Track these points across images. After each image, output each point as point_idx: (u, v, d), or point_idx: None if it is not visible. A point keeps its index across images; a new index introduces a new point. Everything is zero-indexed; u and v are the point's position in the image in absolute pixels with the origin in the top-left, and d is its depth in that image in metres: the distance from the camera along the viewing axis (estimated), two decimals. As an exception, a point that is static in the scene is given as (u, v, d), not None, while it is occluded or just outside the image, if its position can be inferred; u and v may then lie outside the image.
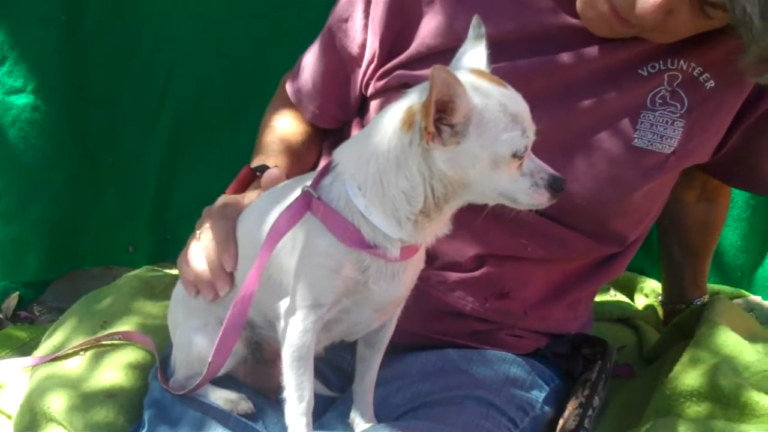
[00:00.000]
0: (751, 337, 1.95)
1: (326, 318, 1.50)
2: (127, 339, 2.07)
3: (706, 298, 2.33)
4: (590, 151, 1.77)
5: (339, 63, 1.93)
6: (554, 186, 1.39)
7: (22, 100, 2.58)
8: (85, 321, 2.22)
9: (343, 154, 1.50)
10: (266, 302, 1.57)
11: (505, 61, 1.72)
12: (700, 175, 2.08)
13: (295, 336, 1.48)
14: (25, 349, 2.44)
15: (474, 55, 1.49)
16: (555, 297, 1.89)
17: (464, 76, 1.37)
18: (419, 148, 1.37)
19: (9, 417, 2.11)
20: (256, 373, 1.72)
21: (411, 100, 1.41)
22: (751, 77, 1.70)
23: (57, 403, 1.90)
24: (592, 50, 1.76)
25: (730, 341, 1.88)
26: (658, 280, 2.58)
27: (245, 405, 1.68)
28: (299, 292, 1.48)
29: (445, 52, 1.73)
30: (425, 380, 1.75)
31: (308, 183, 1.49)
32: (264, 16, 2.64)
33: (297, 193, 1.50)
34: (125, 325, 2.15)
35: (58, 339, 2.20)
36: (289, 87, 2.04)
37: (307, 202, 1.47)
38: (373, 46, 1.86)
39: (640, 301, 2.62)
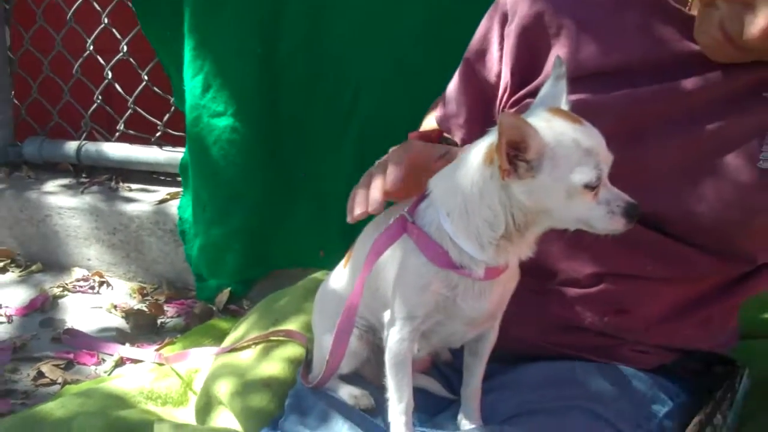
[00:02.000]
0: None
1: (421, 329, 1.65)
2: (289, 336, 2.33)
3: None
4: (715, 173, 1.77)
5: (481, 91, 2.05)
6: (630, 213, 1.48)
7: (223, 122, 2.94)
8: (262, 318, 2.52)
9: (436, 183, 1.65)
10: (377, 311, 1.75)
11: (628, 88, 1.80)
12: None
13: (394, 344, 1.65)
14: (224, 338, 2.73)
15: (554, 93, 1.59)
16: (680, 315, 1.87)
17: (540, 115, 1.50)
18: (498, 181, 1.49)
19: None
20: (378, 372, 1.86)
21: (494, 137, 1.52)
22: None
23: (224, 388, 2.19)
24: (715, 75, 1.76)
25: None
26: None
27: (367, 401, 1.85)
28: (396, 305, 1.65)
29: (570, 80, 1.81)
30: (537, 389, 1.81)
31: (406, 209, 1.65)
32: (444, 39, 2.78)
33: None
34: (292, 324, 2.41)
35: (239, 332, 2.51)
36: (437, 113, 2.18)
37: (403, 225, 1.63)
38: (506, 77, 1.97)
39: None
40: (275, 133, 2.95)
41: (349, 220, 1.82)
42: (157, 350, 2.81)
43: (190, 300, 3.36)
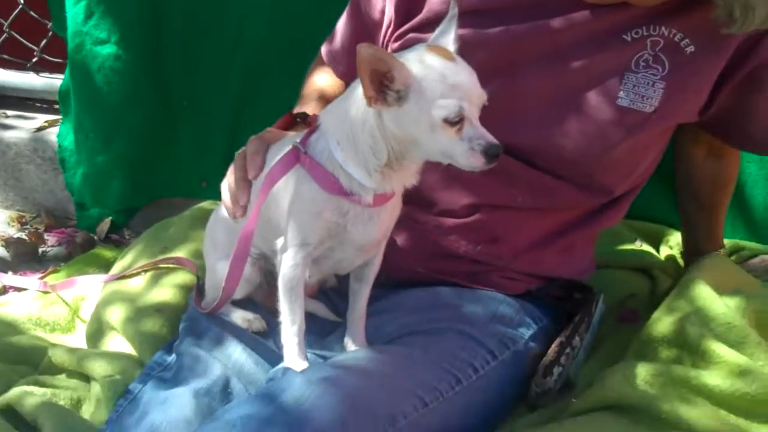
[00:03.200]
0: (734, 292, 2.08)
1: (314, 255, 1.74)
2: (178, 264, 2.40)
3: (722, 252, 2.44)
4: (579, 108, 1.94)
5: (363, 27, 2.15)
6: (489, 152, 1.55)
7: (107, 50, 2.92)
8: (150, 246, 2.58)
9: (326, 115, 1.76)
10: (270, 239, 1.84)
11: (502, 26, 1.94)
12: (705, 133, 2.19)
13: (287, 269, 1.73)
14: (109, 266, 2.80)
15: (445, 31, 1.70)
16: (545, 243, 2.02)
17: (417, 50, 1.61)
18: (374, 110, 1.59)
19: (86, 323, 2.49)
20: (270, 297, 1.96)
21: None
22: (723, 30, 1.84)
23: (116, 314, 2.27)
24: (581, 15, 1.92)
25: (703, 294, 2.02)
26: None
27: (259, 324, 1.96)
28: (290, 232, 1.74)
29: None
30: (416, 312, 1.92)
31: (298, 139, 1.75)
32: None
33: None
34: (181, 251, 2.48)
35: (127, 260, 2.57)
36: (323, 49, 2.28)
37: (296, 156, 1.73)
38: (389, 12, 2.07)
39: (664, 252, 2.72)
40: (159, 61, 2.95)
41: (231, 218, 1.89)
42: (42, 278, 2.81)
43: (71, 229, 3.31)
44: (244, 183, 1.86)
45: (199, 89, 3.03)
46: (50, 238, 3.30)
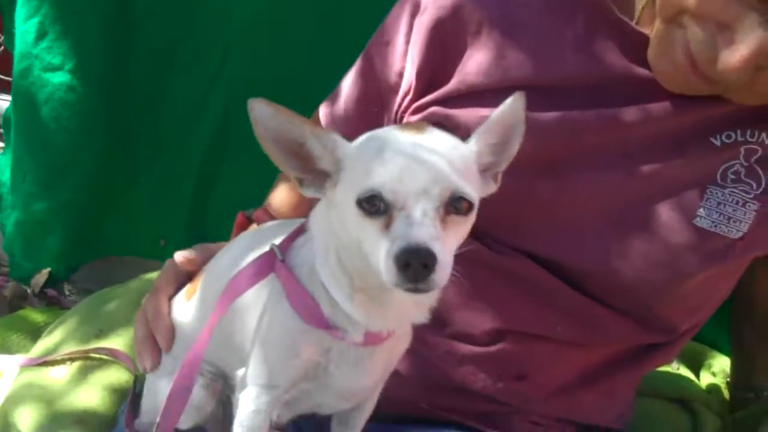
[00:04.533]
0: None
1: (283, 399, 1.35)
2: (113, 357, 1.99)
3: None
4: (645, 225, 1.56)
5: (375, 90, 1.76)
6: (400, 258, 1.06)
7: (59, 78, 2.49)
8: (83, 325, 2.19)
9: (316, 212, 1.32)
10: (229, 361, 1.43)
11: (556, 110, 1.55)
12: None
13: (246, 416, 1.33)
14: (36, 333, 2.41)
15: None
16: (583, 385, 1.69)
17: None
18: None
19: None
20: (226, 429, 1.54)
21: None
22: None
23: (27, 417, 1.87)
24: (661, 107, 1.53)
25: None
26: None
27: (209, 466, 1.55)
28: (252, 366, 1.33)
29: (485, 92, 1.55)
30: None
31: (279, 239, 1.32)
32: (329, 15, 2.46)
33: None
34: (119, 338, 2.08)
35: (53, 340, 2.16)
36: (323, 110, 1.86)
37: (271, 262, 1.32)
38: (410, 77, 1.68)
39: (705, 379, 2.36)
40: (121, 97, 2.54)
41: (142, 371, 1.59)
42: None
43: (1, 277, 2.98)
44: (150, 342, 1.55)
45: (166, 133, 2.61)
46: None
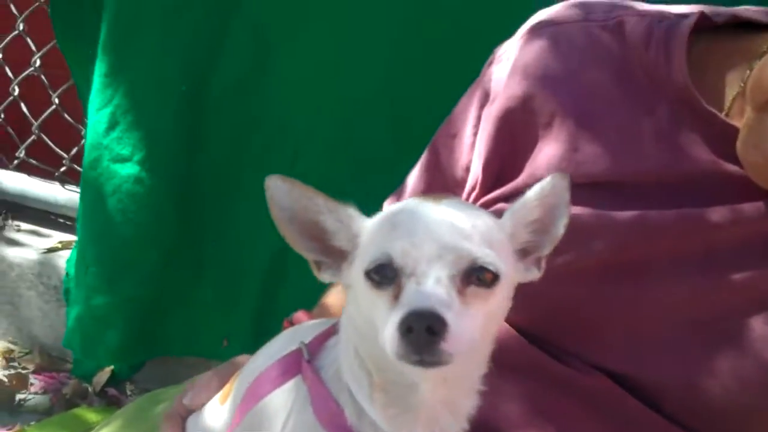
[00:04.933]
0: None
1: None
2: None
3: None
4: (735, 340, 1.38)
5: (441, 184, 1.65)
6: (404, 324, 0.96)
7: (127, 170, 2.47)
8: (129, 427, 2.02)
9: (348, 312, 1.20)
10: None
11: (634, 209, 1.40)
12: None
13: None
14: None
15: None
16: None
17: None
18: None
19: None
20: None
21: None
22: None
23: None
24: (753, 208, 1.37)
25: None
26: None
27: None
28: None
29: None
30: None
31: (310, 338, 1.22)
32: (403, 106, 2.39)
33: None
34: None
35: None
36: (387, 204, 1.75)
37: (298, 363, 1.20)
38: (477, 170, 1.56)
39: None
40: (189, 191, 2.51)
41: None
42: None
43: (64, 374, 2.93)
44: None
45: (235, 229, 2.55)
46: (36, 382, 2.90)
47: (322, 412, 1.15)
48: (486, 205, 1.53)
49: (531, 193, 1.14)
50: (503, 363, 1.47)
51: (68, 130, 3.16)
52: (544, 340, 1.46)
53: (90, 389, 2.81)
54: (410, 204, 1.11)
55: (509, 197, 1.50)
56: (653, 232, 1.39)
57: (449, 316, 0.96)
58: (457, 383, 1.14)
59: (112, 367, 2.79)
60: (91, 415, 2.53)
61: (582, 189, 1.39)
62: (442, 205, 1.08)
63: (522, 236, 1.14)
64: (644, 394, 1.40)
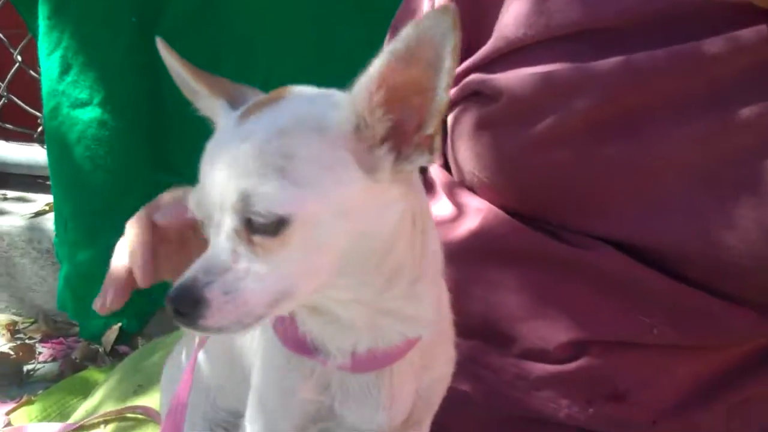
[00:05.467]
0: None
1: None
2: (146, 415, 1.76)
3: None
4: (753, 187, 1.22)
5: None
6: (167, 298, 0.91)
7: (89, 114, 2.35)
8: (124, 382, 1.97)
9: None
10: (241, 397, 1.20)
11: (620, 53, 1.24)
12: None
13: None
14: None
15: None
16: (703, 399, 1.36)
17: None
18: None
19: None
20: None
21: None
22: None
23: None
24: (752, 33, 1.19)
25: None
26: None
27: None
28: (249, 411, 1.15)
29: (528, 47, 1.29)
30: None
31: None
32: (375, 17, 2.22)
33: None
34: (157, 393, 1.79)
35: (94, 402, 1.95)
36: None
37: None
38: None
39: None
40: (158, 128, 2.39)
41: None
42: (8, 413, 2.32)
43: (72, 339, 2.85)
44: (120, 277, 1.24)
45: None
46: (44, 351, 2.83)
47: (280, 329, 1.07)
48: (460, 77, 1.41)
49: (387, 54, 0.89)
50: (496, 252, 1.36)
51: (38, 88, 3.00)
52: (539, 219, 1.34)
53: (101, 350, 2.74)
54: (226, 124, 0.95)
55: (480, 66, 1.36)
56: (643, 76, 1.24)
57: (214, 288, 0.88)
58: (367, 303, 0.99)
59: (120, 324, 2.71)
60: (99, 376, 2.39)
61: (556, 43, 1.28)
62: (249, 123, 0.91)
63: (380, 120, 0.92)
64: (660, 264, 1.28)
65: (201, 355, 1.31)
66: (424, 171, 1.47)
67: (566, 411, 1.34)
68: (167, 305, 0.90)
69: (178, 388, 1.16)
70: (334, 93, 0.94)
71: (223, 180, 0.88)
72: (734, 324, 1.31)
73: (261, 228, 0.87)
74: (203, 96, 1.02)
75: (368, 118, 0.90)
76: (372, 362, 1.04)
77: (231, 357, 1.26)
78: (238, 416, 1.29)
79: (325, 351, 1.03)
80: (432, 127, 0.89)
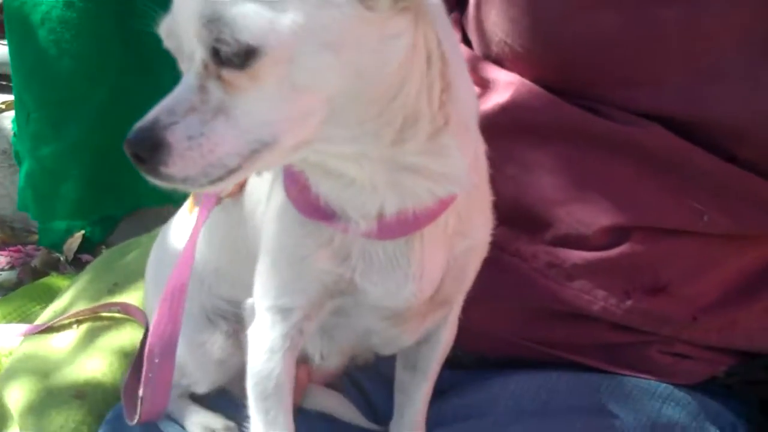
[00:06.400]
0: None
1: (308, 329, 1.06)
2: (125, 312, 1.72)
3: None
4: None
5: None
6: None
7: (52, -7, 2.22)
8: (96, 281, 1.93)
9: None
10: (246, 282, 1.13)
11: None
12: None
13: (258, 359, 1.07)
14: None
15: None
16: (746, 295, 1.32)
17: None
18: None
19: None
20: None
21: None
22: None
23: (18, 395, 1.59)
24: None
25: None
26: None
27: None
28: (259, 284, 1.08)
29: None
30: (519, 420, 1.25)
31: None
32: None
33: None
34: (136, 292, 1.77)
35: (62, 303, 1.89)
36: None
37: None
38: None
39: None
40: (129, 10, 2.24)
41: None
42: None
43: (31, 246, 2.76)
44: None
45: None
46: (1, 258, 2.73)
47: (293, 193, 1.00)
48: None
49: None
50: (530, 128, 1.27)
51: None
52: (578, 92, 1.27)
53: (62, 258, 2.65)
54: None
55: None
56: None
57: (177, 131, 0.80)
58: (381, 159, 0.90)
59: (83, 231, 2.62)
60: (62, 282, 2.31)
61: None
62: None
63: None
64: (713, 143, 1.21)
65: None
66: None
67: (602, 304, 1.27)
68: (125, 149, 0.82)
69: (174, 270, 1.10)
70: None
71: (191, 3, 0.79)
72: (787, 213, 1.27)
73: (228, 60, 0.78)
74: None
75: None
76: (401, 226, 0.97)
77: (233, 237, 1.20)
78: (236, 305, 1.25)
79: (345, 216, 0.96)
80: None
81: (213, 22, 0.77)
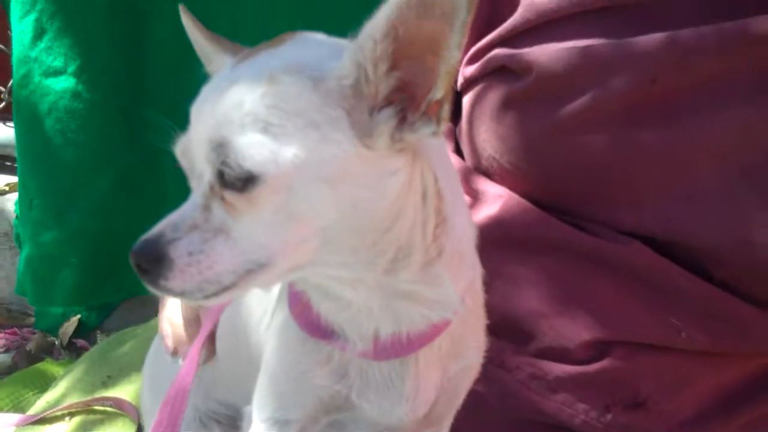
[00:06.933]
0: None
1: None
2: (118, 407, 1.76)
3: None
4: None
5: None
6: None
7: (62, 84, 2.29)
8: (91, 373, 1.97)
9: None
10: (245, 391, 1.16)
11: (659, 31, 1.21)
12: None
13: None
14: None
15: None
16: (724, 412, 1.37)
17: None
18: None
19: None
20: None
21: None
22: None
23: None
24: None
25: None
26: None
27: None
28: (258, 396, 1.10)
29: (561, 20, 1.26)
30: None
31: None
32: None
33: None
34: (129, 386, 1.82)
35: (56, 393, 1.93)
36: None
37: None
38: None
39: None
40: (135, 103, 2.31)
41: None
42: None
43: (27, 329, 2.77)
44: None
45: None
46: None
47: (296, 311, 1.03)
48: (482, 52, 1.40)
49: (398, 1, 0.81)
50: (517, 242, 1.32)
51: (1, 60, 2.93)
52: (565, 209, 1.33)
53: (57, 342, 2.66)
54: (223, 71, 0.92)
55: (505, 40, 1.34)
56: (688, 56, 1.22)
57: (179, 247, 0.85)
58: (375, 284, 0.94)
59: (78, 316, 2.62)
60: (56, 369, 2.35)
61: (590, 17, 1.25)
62: (241, 67, 0.88)
63: (384, 76, 0.85)
64: (692, 262, 1.27)
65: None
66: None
67: (582, 417, 1.32)
68: (131, 259, 0.87)
69: (179, 373, 1.12)
70: (344, 42, 0.88)
71: (204, 127, 0.85)
72: (761, 331, 1.29)
73: (231, 183, 0.83)
74: (217, 57, 0.99)
75: (370, 72, 0.84)
76: (396, 348, 1.00)
77: (236, 343, 1.23)
78: (233, 409, 1.29)
79: (343, 336, 0.99)
80: (442, 91, 0.84)
81: (221, 146, 0.82)
